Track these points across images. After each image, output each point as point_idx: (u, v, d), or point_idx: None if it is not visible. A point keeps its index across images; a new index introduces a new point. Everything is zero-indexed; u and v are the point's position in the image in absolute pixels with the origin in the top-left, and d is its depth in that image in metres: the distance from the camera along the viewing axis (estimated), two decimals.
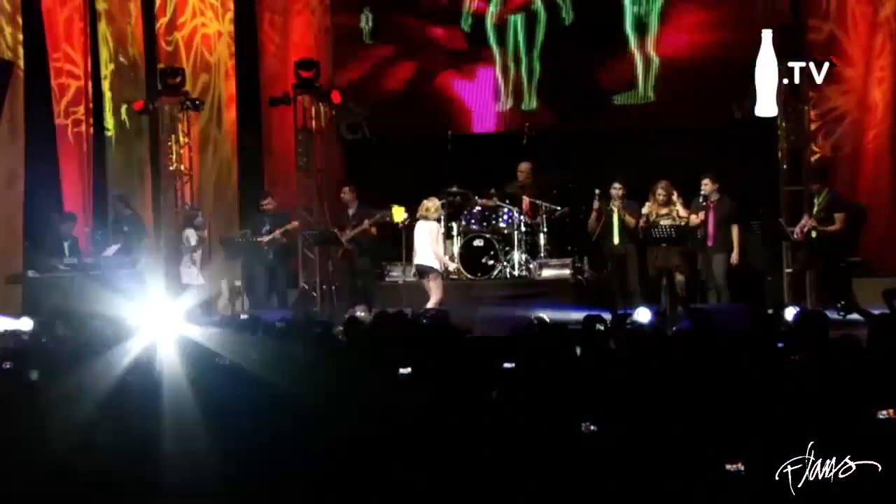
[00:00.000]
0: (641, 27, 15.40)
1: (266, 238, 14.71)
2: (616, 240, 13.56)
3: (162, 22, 16.08)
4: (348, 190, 14.83)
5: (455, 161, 14.84)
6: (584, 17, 15.51)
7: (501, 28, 15.95)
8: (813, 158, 13.75)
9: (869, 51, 14.14)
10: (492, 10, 15.99)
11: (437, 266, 12.98)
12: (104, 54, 16.19)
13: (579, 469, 4.93)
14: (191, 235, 14.69)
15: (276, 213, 15.03)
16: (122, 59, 16.25)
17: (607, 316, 8.72)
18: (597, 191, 13.62)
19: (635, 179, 13.68)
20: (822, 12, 14.22)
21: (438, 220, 13.37)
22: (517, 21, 15.95)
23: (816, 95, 13.94)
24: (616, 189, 13.55)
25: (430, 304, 12.60)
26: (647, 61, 15.39)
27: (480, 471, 4.87)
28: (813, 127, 13.99)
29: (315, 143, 15.52)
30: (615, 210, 13.51)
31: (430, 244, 12.92)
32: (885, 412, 5.28)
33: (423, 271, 13.03)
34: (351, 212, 14.71)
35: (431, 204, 13.13)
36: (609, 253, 13.76)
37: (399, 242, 13.71)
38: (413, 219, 13.38)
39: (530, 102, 15.89)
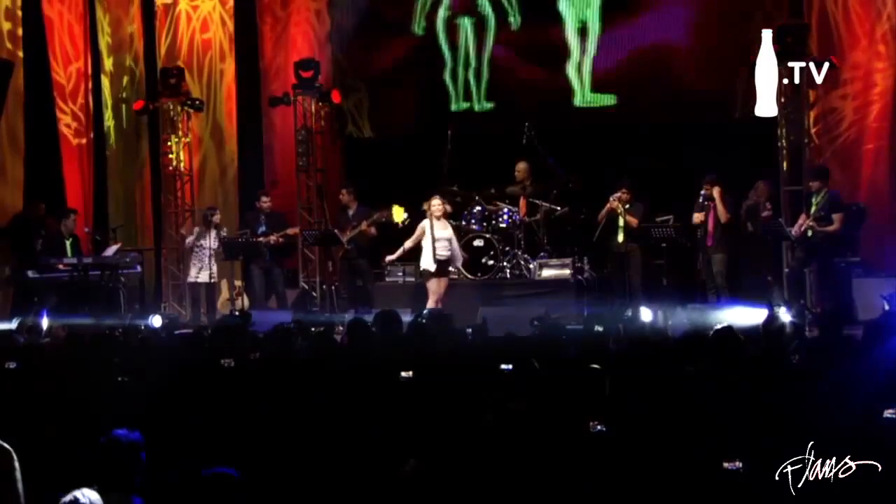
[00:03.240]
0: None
1: (263, 239, 14.68)
2: (620, 237, 13.58)
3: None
4: (346, 192, 14.80)
5: (455, 161, 14.80)
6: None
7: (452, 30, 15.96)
8: (813, 159, 13.73)
9: (869, 51, 14.13)
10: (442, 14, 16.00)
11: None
12: (104, 55, 16.20)
13: (587, 469, 4.92)
14: (209, 235, 14.73)
15: (271, 212, 15.01)
16: (121, 59, 16.25)
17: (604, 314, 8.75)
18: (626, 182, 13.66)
19: (636, 179, 13.70)
20: (822, 12, 14.21)
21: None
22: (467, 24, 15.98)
23: (816, 95, 13.93)
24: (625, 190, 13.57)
25: (430, 304, 12.63)
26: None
27: (482, 471, 4.87)
28: (813, 127, 13.98)
29: (315, 143, 15.53)
30: (620, 209, 13.52)
31: (454, 241, 13.11)
32: (890, 412, 5.27)
33: (444, 266, 13.08)
34: (351, 212, 14.70)
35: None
36: (612, 251, 13.78)
37: (399, 243, 13.67)
38: (411, 216, 13.46)
39: (482, 104, 15.96)
